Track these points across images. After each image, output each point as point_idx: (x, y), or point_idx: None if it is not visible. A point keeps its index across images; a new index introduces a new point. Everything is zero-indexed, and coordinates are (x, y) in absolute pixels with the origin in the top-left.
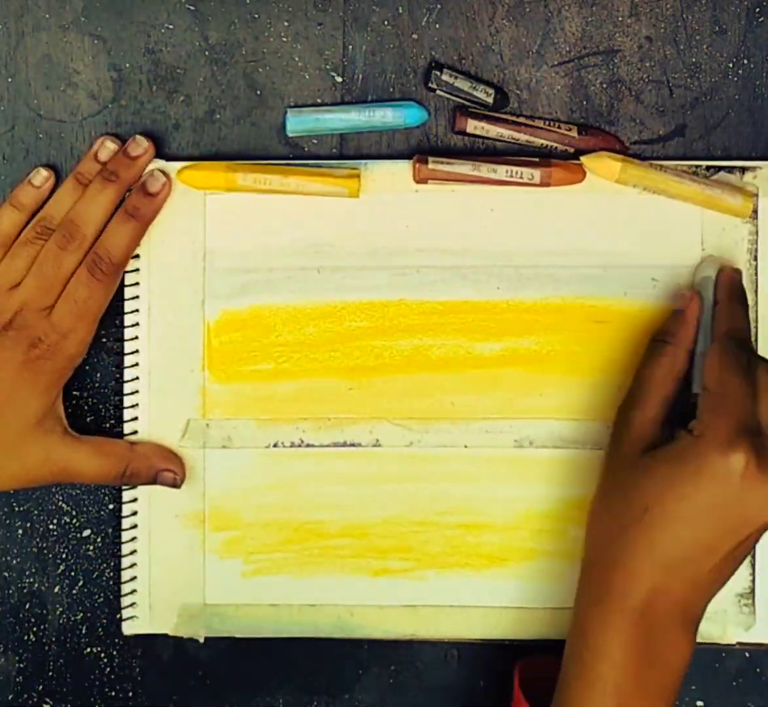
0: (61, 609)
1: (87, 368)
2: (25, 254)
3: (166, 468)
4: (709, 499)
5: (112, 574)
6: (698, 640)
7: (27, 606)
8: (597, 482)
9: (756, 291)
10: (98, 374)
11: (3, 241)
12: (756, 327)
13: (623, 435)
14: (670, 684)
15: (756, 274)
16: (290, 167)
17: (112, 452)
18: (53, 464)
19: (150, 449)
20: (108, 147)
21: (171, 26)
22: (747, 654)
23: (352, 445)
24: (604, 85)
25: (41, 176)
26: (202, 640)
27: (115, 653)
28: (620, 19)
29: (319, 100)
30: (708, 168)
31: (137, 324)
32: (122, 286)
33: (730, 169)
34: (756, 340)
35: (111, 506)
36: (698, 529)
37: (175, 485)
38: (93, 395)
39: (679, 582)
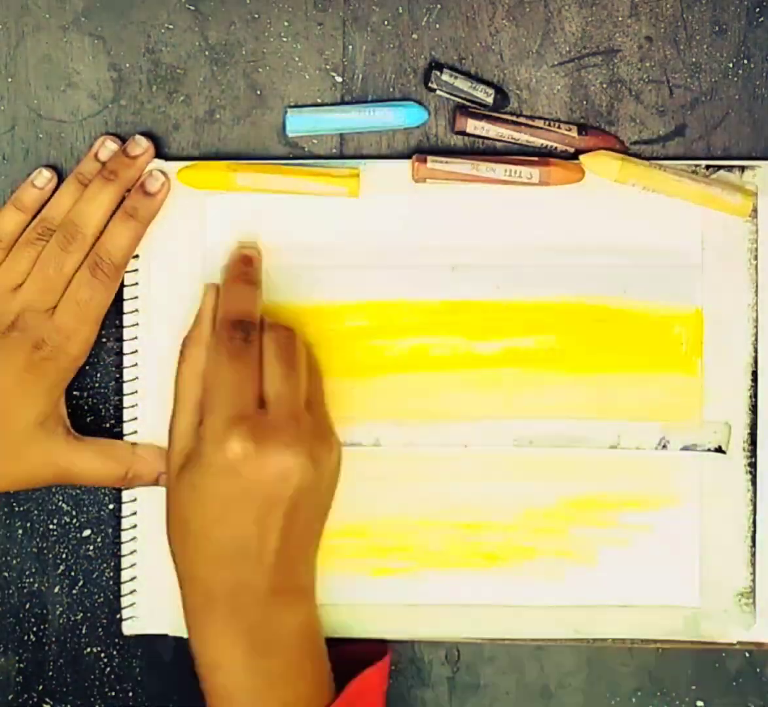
0: (61, 609)
1: (87, 368)
2: (26, 256)
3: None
4: (227, 494)
5: (112, 574)
6: (699, 640)
7: (27, 606)
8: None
9: (756, 291)
10: (98, 374)
11: (5, 242)
12: (756, 327)
13: (169, 450)
14: (295, 659)
15: (756, 273)
16: (290, 167)
17: (114, 455)
18: (55, 466)
19: (151, 451)
20: (108, 147)
21: (171, 26)
22: (747, 654)
23: (352, 444)
24: (604, 85)
25: (43, 177)
26: None
27: (115, 653)
28: (620, 19)
29: (319, 100)
30: (708, 167)
31: (137, 324)
32: (122, 286)
33: (729, 168)
34: (756, 342)
35: (111, 506)
36: (238, 524)
37: None
38: (93, 395)
39: (251, 572)
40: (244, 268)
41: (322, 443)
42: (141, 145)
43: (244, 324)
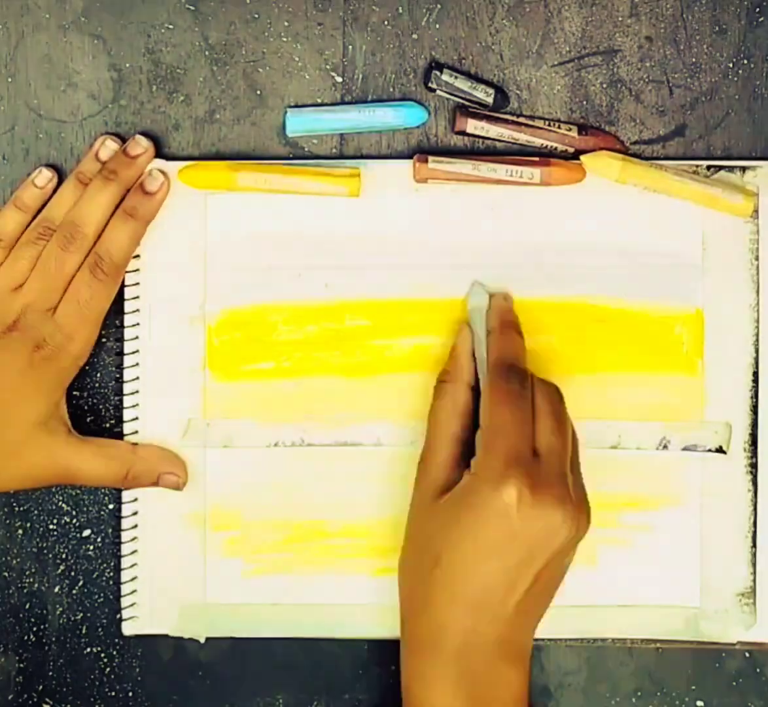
0: (61, 609)
1: (87, 368)
2: (27, 255)
3: (168, 471)
4: (492, 536)
5: (112, 574)
6: (699, 640)
7: (27, 606)
8: (405, 530)
9: (757, 291)
10: (98, 374)
11: (6, 242)
12: (757, 327)
13: (419, 482)
14: None
15: (757, 274)
16: (290, 167)
17: (115, 455)
18: (56, 466)
19: (152, 451)
20: (109, 146)
21: (171, 26)
22: (747, 654)
23: (354, 444)
24: (604, 85)
25: (44, 176)
26: (202, 640)
27: (115, 653)
28: (620, 19)
29: (319, 100)
30: (708, 167)
31: (137, 324)
32: (123, 286)
33: (730, 169)
34: (757, 342)
35: (111, 506)
36: (490, 568)
37: (178, 487)
38: (93, 395)
39: (486, 622)
40: (512, 318)
41: (583, 506)
42: (141, 144)
43: (520, 370)
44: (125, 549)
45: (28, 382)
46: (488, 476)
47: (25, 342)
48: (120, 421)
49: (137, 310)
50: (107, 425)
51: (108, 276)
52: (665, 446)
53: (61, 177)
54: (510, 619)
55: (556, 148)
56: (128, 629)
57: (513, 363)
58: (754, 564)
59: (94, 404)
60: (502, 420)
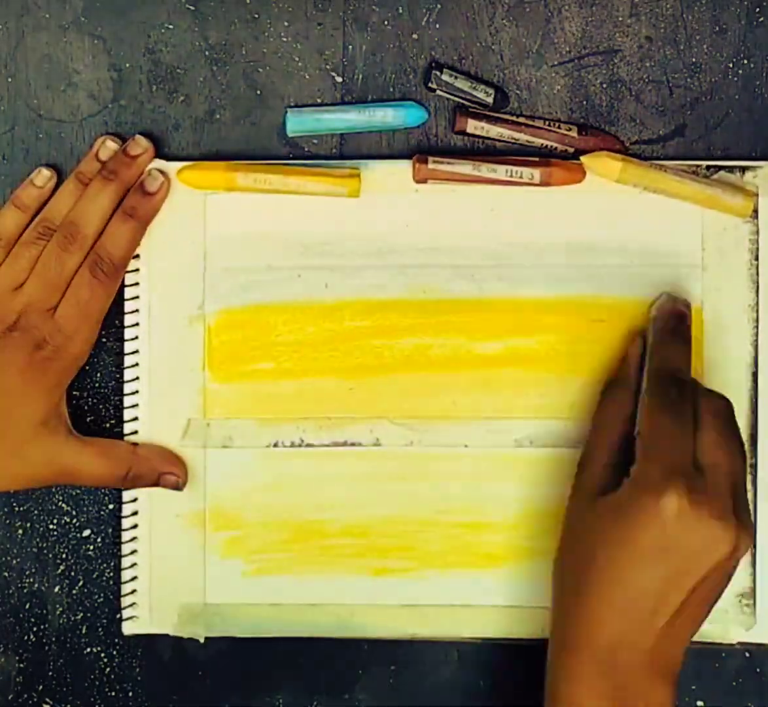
0: (61, 609)
1: (87, 368)
2: (27, 255)
3: (168, 471)
4: (648, 545)
5: (112, 574)
6: (699, 640)
7: (27, 606)
8: (561, 529)
9: (757, 291)
10: (98, 374)
11: (6, 242)
12: (756, 327)
13: (579, 480)
14: None
15: (756, 274)
16: (290, 167)
17: (115, 455)
18: (56, 466)
19: (153, 451)
20: (108, 147)
21: (171, 26)
22: (747, 654)
23: (353, 445)
24: (604, 85)
25: (43, 176)
26: (202, 640)
27: (115, 653)
28: (620, 19)
29: (319, 100)
30: (708, 168)
31: (137, 324)
32: (122, 286)
33: (730, 169)
34: (756, 342)
35: (111, 506)
36: (644, 576)
37: (178, 487)
38: (93, 395)
39: (640, 631)
40: (680, 325)
41: (746, 529)
42: (141, 145)
43: (678, 380)
44: (125, 549)
45: (28, 382)
46: (648, 485)
47: (24, 342)
48: (120, 421)
49: (137, 310)
50: (107, 425)
51: (108, 276)
52: None
53: (61, 177)
54: (661, 631)
55: (556, 149)
56: (128, 629)
57: (673, 372)
58: (753, 565)
59: (94, 404)
60: (660, 429)
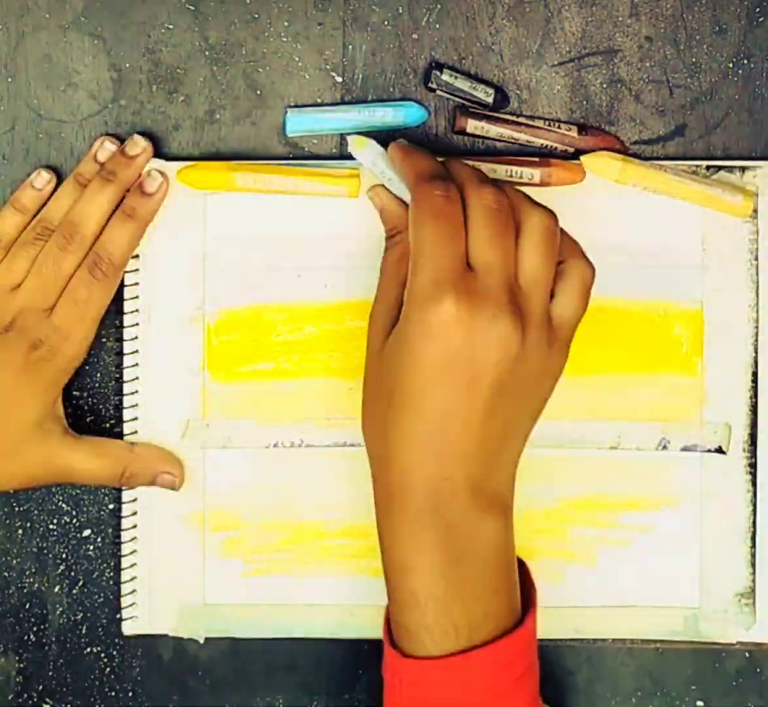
0: (61, 609)
1: (87, 368)
2: (25, 255)
3: (164, 471)
4: (434, 360)
5: (112, 574)
6: (699, 640)
7: (27, 606)
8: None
9: (756, 291)
10: (98, 374)
11: (5, 243)
12: (756, 327)
13: (370, 330)
14: (489, 573)
15: (757, 273)
16: (290, 167)
17: (111, 454)
18: (52, 465)
19: (149, 451)
20: (107, 148)
21: (171, 26)
22: (747, 654)
23: (353, 445)
24: (604, 85)
25: (43, 179)
26: (202, 640)
27: (115, 653)
28: (620, 19)
29: (319, 100)
30: (708, 168)
31: (137, 324)
32: (122, 286)
33: (730, 169)
34: (757, 342)
35: (111, 506)
36: (439, 396)
37: (174, 487)
38: (93, 395)
39: (452, 461)
40: (411, 149)
41: (530, 318)
42: (139, 145)
43: (443, 179)
44: (125, 549)
45: (23, 382)
46: (419, 299)
47: (21, 342)
48: (120, 421)
49: (136, 310)
50: (107, 425)
51: (107, 277)
52: (665, 447)
53: (61, 178)
54: (477, 458)
55: (556, 149)
56: (128, 629)
57: (431, 176)
58: (753, 564)
59: (94, 404)
60: (425, 238)
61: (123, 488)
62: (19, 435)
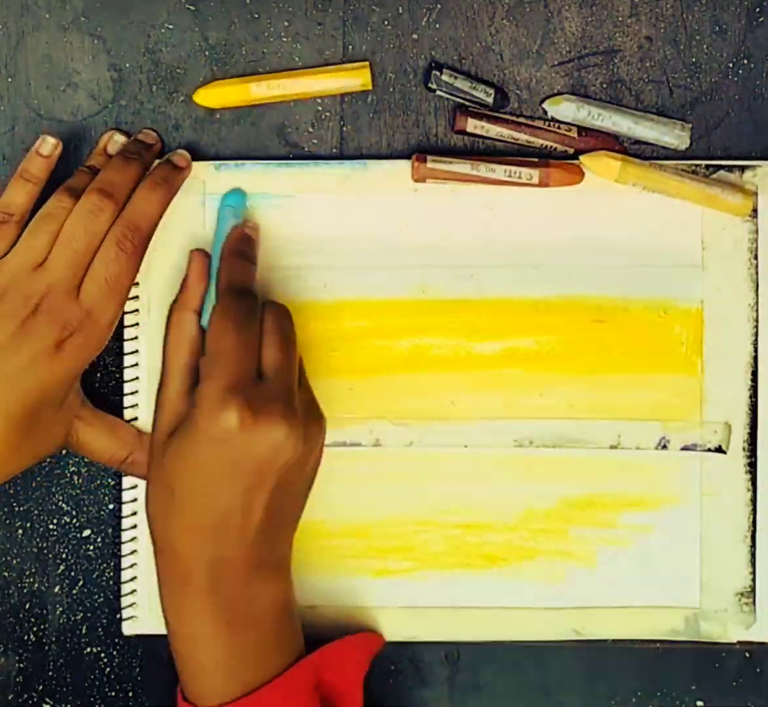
0: (61, 609)
1: (87, 367)
2: (47, 229)
3: None
4: (217, 464)
5: (112, 574)
6: (699, 640)
7: (27, 606)
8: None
9: (756, 291)
10: (98, 374)
11: (19, 216)
12: (756, 327)
13: (154, 418)
14: (273, 632)
15: (756, 273)
16: (300, 71)
17: (122, 436)
18: (65, 435)
19: None
20: (117, 140)
21: (171, 26)
22: (747, 654)
23: (353, 445)
24: (604, 85)
25: (48, 144)
26: None
27: (115, 653)
28: (620, 19)
29: (318, 100)
30: (708, 167)
31: (137, 324)
32: None
33: (729, 168)
34: (756, 341)
35: (111, 506)
36: (221, 495)
37: None
38: (93, 395)
39: (231, 547)
40: (244, 246)
41: (313, 419)
42: (151, 136)
43: (244, 297)
44: (125, 549)
45: (51, 368)
46: (208, 405)
47: (49, 327)
48: None
49: (137, 310)
50: None
51: (135, 248)
52: (664, 446)
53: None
54: (255, 540)
55: (555, 149)
56: (128, 629)
57: (239, 290)
58: (753, 564)
59: (94, 404)
60: (224, 346)
61: (123, 473)
62: (45, 417)
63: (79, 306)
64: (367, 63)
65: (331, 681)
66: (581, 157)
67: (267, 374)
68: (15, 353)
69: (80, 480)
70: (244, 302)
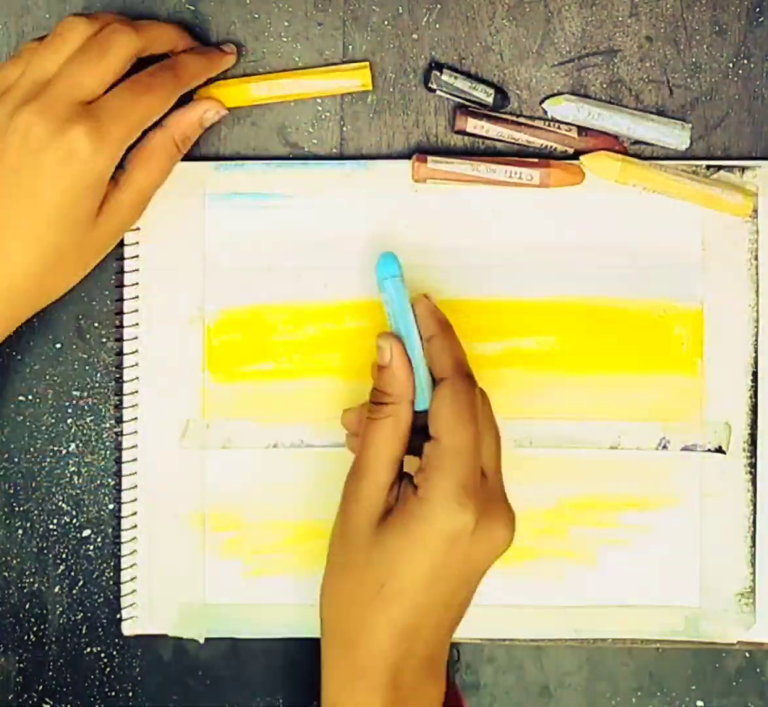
0: (61, 609)
1: (87, 367)
2: (55, 48)
3: (206, 108)
4: (441, 561)
5: (112, 574)
6: (699, 640)
7: (27, 606)
8: (327, 557)
9: (756, 291)
10: (98, 374)
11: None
12: (756, 327)
13: (353, 508)
14: None
15: (756, 273)
16: (301, 71)
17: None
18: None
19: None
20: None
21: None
22: (747, 654)
23: None
24: (604, 85)
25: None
26: (202, 640)
27: (115, 653)
28: (620, 19)
29: (318, 100)
30: (708, 167)
31: (137, 324)
32: (121, 286)
33: (730, 169)
34: (757, 342)
35: (111, 507)
36: (435, 592)
37: (218, 116)
38: (93, 395)
39: (423, 643)
40: (441, 315)
41: (511, 517)
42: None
43: (468, 381)
44: (125, 549)
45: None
46: (443, 503)
47: (59, 101)
48: (120, 421)
49: (136, 310)
50: (107, 424)
51: (168, 82)
52: (665, 447)
53: None
54: (443, 640)
55: (555, 149)
56: (128, 629)
57: (466, 372)
58: (753, 564)
59: (94, 404)
60: (463, 437)
61: (124, 487)
62: (80, 235)
63: (84, 115)
64: (367, 63)
65: None
66: (581, 158)
67: (486, 472)
68: (22, 172)
69: (80, 480)
70: (473, 388)
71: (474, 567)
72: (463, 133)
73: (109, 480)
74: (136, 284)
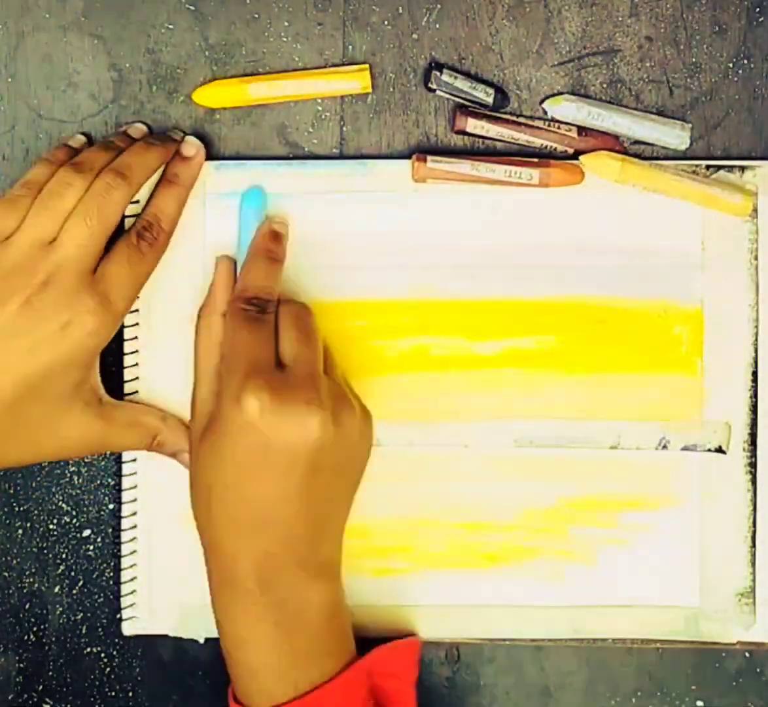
0: (61, 609)
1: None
2: (51, 205)
3: (186, 450)
4: (248, 451)
5: (112, 574)
6: (699, 640)
7: (27, 606)
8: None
9: (756, 291)
10: (98, 375)
11: (35, 191)
12: (756, 327)
13: (190, 420)
14: (322, 636)
15: (756, 273)
16: (300, 72)
17: (145, 423)
18: (89, 439)
19: (179, 426)
20: (139, 127)
21: (171, 26)
22: (747, 654)
23: None
24: (604, 85)
25: (78, 140)
26: (202, 640)
27: (115, 653)
28: (620, 19)
29: (318, 100)
30: (708, 167)
31: (137, 324)
32: None
33: (729, 169)
34: (757, 342)
35: (111, 506)
36: (257, 485)
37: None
38: None
39: (278, 543)
40: (271, 244)
41: (342, 404)
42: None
43: (260, 300)
44: (125, 549)
45: (57, 349)
46: (229, 396)
47: (57, 305)
48: None
49: (136, 310)
50: None
51: (157, 241)
52: (665, 446)
53: None
54: (300, 535)
55: (555, 149)
56: (128, 629)
57: (254, 294)
58: (753, 564)
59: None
60: (239, 343)
61: (124, 487)
62: (56, 404)
63: (92, 289)
64: (366, 66)
65: (384, 686)
66: (581, 158)
67: (286, 363)
68: (18, 334)
69: (80, 480)
70: (253, 305)
71: (286, 452)
72: (463, 133)
73: (109, 480)
74: None
